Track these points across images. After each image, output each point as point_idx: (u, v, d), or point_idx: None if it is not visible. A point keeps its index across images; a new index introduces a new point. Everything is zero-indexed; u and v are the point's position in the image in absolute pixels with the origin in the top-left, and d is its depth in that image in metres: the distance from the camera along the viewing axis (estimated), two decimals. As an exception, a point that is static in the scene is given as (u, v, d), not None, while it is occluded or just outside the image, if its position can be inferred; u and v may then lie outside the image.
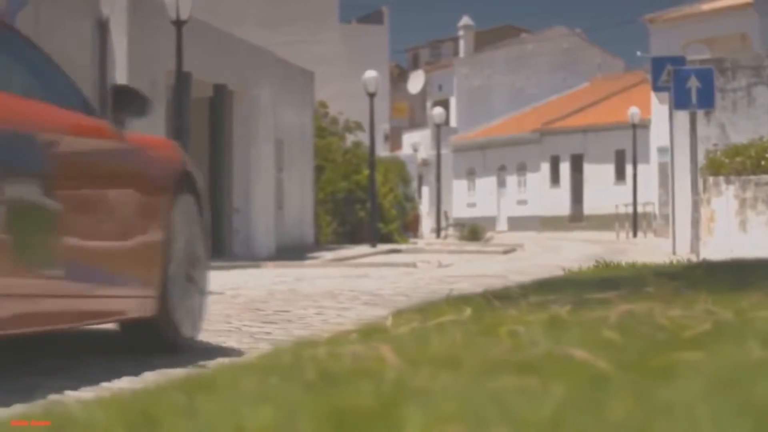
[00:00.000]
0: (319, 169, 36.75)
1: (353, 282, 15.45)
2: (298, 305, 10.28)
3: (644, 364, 2.92)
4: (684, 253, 21.77)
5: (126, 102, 6.07)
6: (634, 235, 45.12)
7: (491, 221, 57.38)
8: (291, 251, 29.65)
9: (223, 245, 27.54)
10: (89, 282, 5.52)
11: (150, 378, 4.90)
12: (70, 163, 5.39)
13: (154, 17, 23.52)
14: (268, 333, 7.83)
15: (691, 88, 20.00)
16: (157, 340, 6.22)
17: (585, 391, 2.43)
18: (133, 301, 5.96)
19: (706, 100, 20.36)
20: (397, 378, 2.62)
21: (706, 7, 49.03)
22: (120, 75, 22.73)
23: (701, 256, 19.85)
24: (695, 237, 21.00)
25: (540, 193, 58.79)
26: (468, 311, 4.32)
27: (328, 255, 28.55)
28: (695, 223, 20.67)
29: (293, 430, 2.17)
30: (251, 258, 26.38)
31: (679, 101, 20.38)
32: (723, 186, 20.00)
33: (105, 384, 4.97)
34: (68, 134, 5.48)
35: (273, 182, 30.52)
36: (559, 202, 57.74)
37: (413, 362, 2.90)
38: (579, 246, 35.18)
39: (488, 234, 46.99)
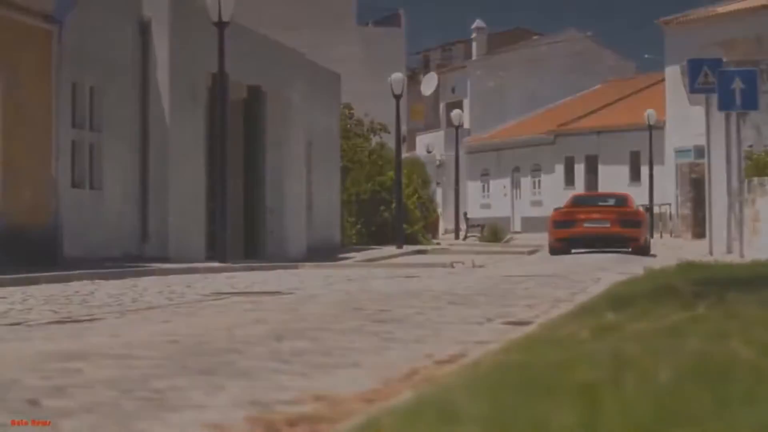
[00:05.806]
0: (344, 171, 36.74)
1: (414, 283, 15.51)
2: (393, 305, 10.34)
3: None
4: (720, 253, 21.82)
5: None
6: (651, 236, 45.11)
7: (505, 222, 57.41)
8: (321, 252, 29.65)
9: (258, 245, 27.60)
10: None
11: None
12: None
13: (195, 19, 23.56)
14: (389, 332, 7.87)
15: (735, 89, 20.06)
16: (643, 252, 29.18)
17: None
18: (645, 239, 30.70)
19: (750, 102, 20.42)
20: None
21: (721, 9, 49.04)
22: (162, 76, 22.78)
23: (744, 256, 19.90)
24: (736, 237, 21.06)
25: (554, 194, 58.80)
26: (701, 309, 4.35)
27: (358, 256, 28.57)
28: (737, 223, 20.73)
29: None
30: (284, 258, 26.40)
31: (724, 102, 20.44)
32: (768, 186, 20.09)
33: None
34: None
35: (304, 183, 30.57)
36: (574, 204, 57.70)
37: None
38: (601, 246, 35.13)
39: (508, 235, 47.09)
